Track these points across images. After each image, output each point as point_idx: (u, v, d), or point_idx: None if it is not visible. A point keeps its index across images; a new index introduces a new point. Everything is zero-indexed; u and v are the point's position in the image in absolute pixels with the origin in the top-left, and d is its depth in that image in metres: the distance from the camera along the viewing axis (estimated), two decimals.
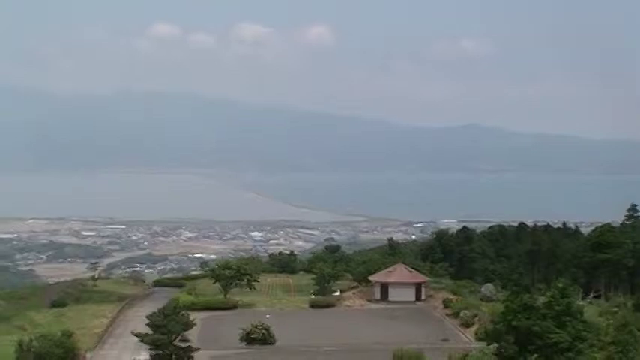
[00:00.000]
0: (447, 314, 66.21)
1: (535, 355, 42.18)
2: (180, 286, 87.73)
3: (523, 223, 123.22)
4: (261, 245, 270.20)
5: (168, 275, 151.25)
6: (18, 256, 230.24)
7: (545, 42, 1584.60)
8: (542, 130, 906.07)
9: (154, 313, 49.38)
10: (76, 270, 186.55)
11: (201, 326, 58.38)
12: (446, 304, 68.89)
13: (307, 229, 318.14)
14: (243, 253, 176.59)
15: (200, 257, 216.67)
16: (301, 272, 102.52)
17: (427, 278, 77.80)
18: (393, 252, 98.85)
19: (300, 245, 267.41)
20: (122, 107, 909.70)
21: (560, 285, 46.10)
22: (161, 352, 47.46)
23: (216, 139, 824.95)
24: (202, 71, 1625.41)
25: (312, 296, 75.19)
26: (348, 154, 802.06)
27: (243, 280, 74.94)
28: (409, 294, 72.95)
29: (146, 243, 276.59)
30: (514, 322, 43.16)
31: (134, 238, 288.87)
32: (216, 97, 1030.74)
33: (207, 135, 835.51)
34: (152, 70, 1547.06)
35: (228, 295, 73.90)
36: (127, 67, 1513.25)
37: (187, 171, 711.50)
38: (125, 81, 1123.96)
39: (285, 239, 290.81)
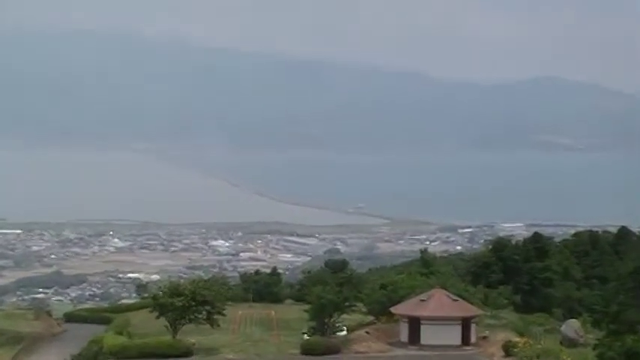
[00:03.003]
0: None
1: None
2: (105, 321, 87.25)
3: (625, 227, 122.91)
4: (228, 261, 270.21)
5: (88, 305, 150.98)
6: None
7: None
8: None
9: None
10: None
11: None
12: (509, 350, 68.46)
13: (298, 235, 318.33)
14: (201, 273, 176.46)
15: (136, 278, 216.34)
16: (289, 301, 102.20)
17: (479, 311, 77.32)
18: (427, 271, 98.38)
19: (288, 260, 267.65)
20: (17, 53, 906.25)
21: None
22: None
23: (164, 98, 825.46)
24: None
25: (306, 337, 74.77)
26: (360, 122, 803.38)
27: (201, 312, 74.43)
28: (452, 335, 72.37)
29: (54, 256, 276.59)
30: None
31: (35, 248, 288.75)
32: (164, 35, 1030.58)
33: (151, 93, 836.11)
34: None
35: (178, 336, 73.44)
36: None
37: (120, 145, 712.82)
38: (21, 14, 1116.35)
39: (265, 251, 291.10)
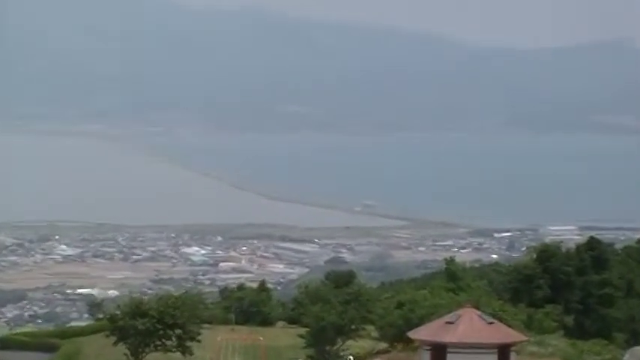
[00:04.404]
0: None
1: None
2: (50, 348, 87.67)
3: None
4: (204, 272, 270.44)
5: (28, 328, 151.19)
6: None
7: None
8: None
9: None
10: None
11: None
12: None
13: (293, 241, 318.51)
14: (170, 288, 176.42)
15: (88, 294, 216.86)
16: (281, 323, 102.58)
17: (521, 336, 77.58)
18: (455, 286, 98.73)
19: (280, 272, 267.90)
20: None
21: None
22: None
23: (119, 67, 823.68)
24: None
25: None
26: (370, 97, 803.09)
27: (170, 337, 74.74)
28: None
29: None
30: None
31: None
32: None
33: (103, 60, 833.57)
34: None
35: None
36: None
37: (65, 127, 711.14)
38: None
39: (251, 260, 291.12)
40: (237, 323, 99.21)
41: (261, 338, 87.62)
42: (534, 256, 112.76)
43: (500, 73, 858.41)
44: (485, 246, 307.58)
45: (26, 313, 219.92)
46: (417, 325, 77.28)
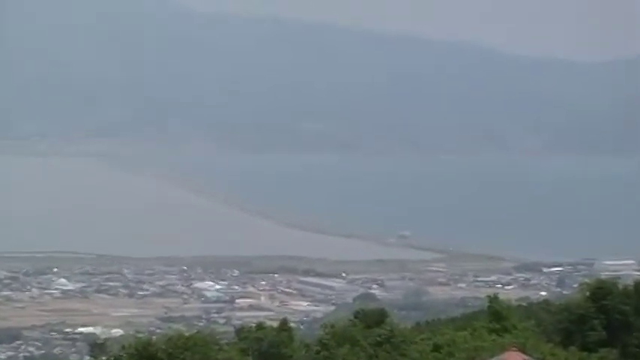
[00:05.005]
0: None
1: None
2: None
3: None
4: (219, 310, 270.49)
5: None
6: None
7: None
8: None
9: None
10: None
11: None
12: None
13: (318, 275, 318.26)
14: (181, 327, 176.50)
15: (90, 333, 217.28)
16: None
17: None
18: (498, 326, 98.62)
19: (304, 310, 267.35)
20: None
21: None
22: None
23: (123, 74, 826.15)
24: None
25: None
26: (399, 112, 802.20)
27: None
28: None
29: None
30: None
31: None
32: None
33: (106, 66, 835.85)
34: None
35: None
36: None
37: (61, 146, 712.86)
38: None
39: (272, 297, 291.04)
40: None
41: None
42: (588, 293, 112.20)
43: (545, 87, 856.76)
44: (533, 282, 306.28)
45: (21, 354, 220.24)
46: None
